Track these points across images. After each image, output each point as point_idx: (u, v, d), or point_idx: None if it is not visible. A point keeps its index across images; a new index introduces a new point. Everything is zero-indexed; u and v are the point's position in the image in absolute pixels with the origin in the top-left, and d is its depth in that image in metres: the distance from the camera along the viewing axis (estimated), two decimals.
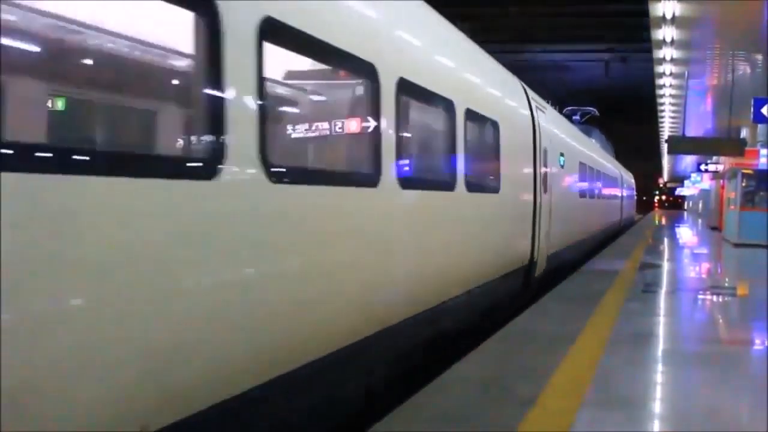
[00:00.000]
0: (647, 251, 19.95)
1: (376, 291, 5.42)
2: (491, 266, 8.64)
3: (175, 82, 4.35)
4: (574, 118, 31.12)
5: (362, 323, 5.15)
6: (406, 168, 5.89)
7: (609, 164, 26.72)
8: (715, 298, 11.53)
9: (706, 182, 41.64)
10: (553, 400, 5.16)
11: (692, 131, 34.32)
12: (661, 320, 9.05)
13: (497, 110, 8.99)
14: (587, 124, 33.47)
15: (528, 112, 10.81)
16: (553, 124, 13.64)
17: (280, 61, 4.49)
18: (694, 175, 48.84)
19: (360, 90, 5.42)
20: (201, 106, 3.55)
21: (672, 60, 20.19)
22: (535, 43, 36.75)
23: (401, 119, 5.71)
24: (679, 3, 14.89)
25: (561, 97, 34.37)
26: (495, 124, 8.70)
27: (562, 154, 13.76)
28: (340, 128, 5.62)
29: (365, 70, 5.14)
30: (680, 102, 27.06)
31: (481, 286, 8.17)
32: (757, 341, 8.46)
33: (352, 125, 5.60)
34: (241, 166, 3.65)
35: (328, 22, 4.62)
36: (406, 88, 5.74)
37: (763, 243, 22.00)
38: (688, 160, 46.08)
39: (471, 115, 7.49)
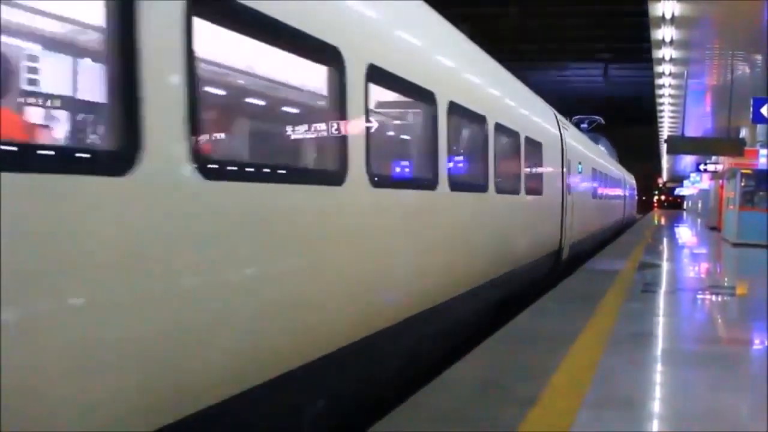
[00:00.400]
0: (647, 251, 19.97)
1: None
2: (538, 248, 11.80)
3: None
4: (582, 126, 33.63)
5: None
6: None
7: (614, 168, 29.92)
8: (714, 297, 11.54)
9: (705, 182, 41.65)
10: (554, 400, 5.17)
11: (692, 131, 34.32)
12: (661, 320, 9.06)
13: (542, 134, 12.08)
14: (594, 132, 36.54)
15: (557, 132, 13.73)
16: (573, 139, 16.53)
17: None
18: (693, 175, 48.84)
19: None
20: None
21: (671, 60, 20.21)
22: (533, 43, 36.87)
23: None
24: (679, 3, 14.91)
25: (563, 101, 34.54)
26: (538, 144, 11.51)
27: (579, 163, 16.77)
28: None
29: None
30: (679, 102, 27.06)
31: (534, 261, 11.40)
32: (756, 341, 8.48)
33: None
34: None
35: None
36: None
37: (762, 243, 22.03)
38: (688, 160, 46.11)
39: (528, 140, 10.57)
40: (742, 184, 23.58)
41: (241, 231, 3.68)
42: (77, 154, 3.03)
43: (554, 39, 36.24)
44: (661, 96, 27.98)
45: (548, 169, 12.41)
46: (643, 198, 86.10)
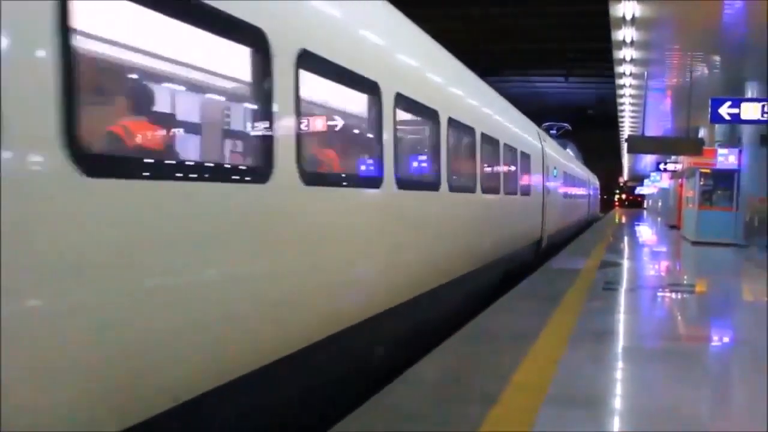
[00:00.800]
0: (608, 249, 20.18)
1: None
2: (528, 237, 15.01)
3: None
4: (551, 132, 35.56)
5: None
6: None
7: (582, 171, 34.25)
8: (674, 295, 11.69)
9: (665, 181, 42.22)
10: (515, 397, 5.17)
11: (652, 131, 34.76)
12: (622, 317, 9.14)
13: (530, 147, 15.33)
14: (563, 138, 40.55)
15: (539, 144, 17.05)
16: (550, 148, 19.92)
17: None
18: (653, 174, 49.51)
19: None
20: None
21: (632, 60, 20.41)
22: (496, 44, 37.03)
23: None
24: (639, 4, 15.05)
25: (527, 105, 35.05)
26: (528, 155, 14.79)
27: (555, 168, 20.31)
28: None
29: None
30: (640, 102, 27.39)
31: (525, 246, 14.64)
32: (715, 338, 8.60)
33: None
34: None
35: None
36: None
37: (720, 241, 22.40)
38: (648, 160, 46.65)
39: (523, 154, 14.07)
40: (701, 183, 23.94)
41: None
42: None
43: (517, 40, 36.47)
44: (621, 96, 28.26)
45: (534, 175, 15.70)
46: (605, 197, 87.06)
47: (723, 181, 23.48)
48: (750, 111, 17.98)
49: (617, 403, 5.50)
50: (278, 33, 4.31)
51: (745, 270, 16.69)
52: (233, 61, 4.36)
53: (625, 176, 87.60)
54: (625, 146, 31.49)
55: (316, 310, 4.96)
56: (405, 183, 6.74)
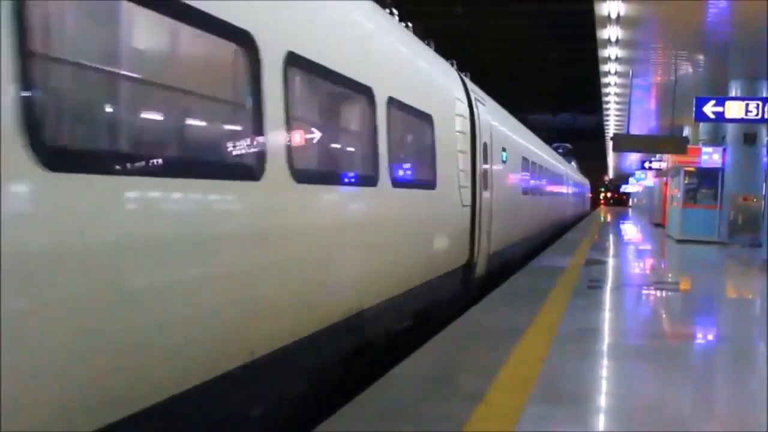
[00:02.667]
0: (593, 248, 20.25)
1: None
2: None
3: None
4: (558, 151, 40.13)
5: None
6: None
7: (574, 174, 37.74)
8: (658, 293, 11.74)
9: (650, 180, 42.43)
10: (500, 395, 5.17)
11: (636, 129, 34.93)
12: (606, 315, 9.17)
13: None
14: (568, 155, 48.51)
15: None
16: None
17: None
18: (638, 173, 49.72)
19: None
20: None
21: (617, 59, 20.49)
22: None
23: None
24: (624, 3, 15.10)
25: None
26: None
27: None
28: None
29: None
30: (625, 101, 27.50)
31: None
32: (699, 335, 8.65)
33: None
34: None
35: None
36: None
37: (704, 239, 22.54)
38: (633, 158, 46.86)
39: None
40: (686, 181, 24.08)
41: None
42: None
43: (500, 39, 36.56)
44: (606, 95, 28.38)
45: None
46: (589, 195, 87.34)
47: (707, 179, 23.64)
48: (734, 110, 18.09)
49: (602, 400, 5.51)
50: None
51: (728, 267, 16.80)
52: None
53: (610, 174, 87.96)
54: (610, 144, 31.63)
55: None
56: None
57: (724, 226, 22.39)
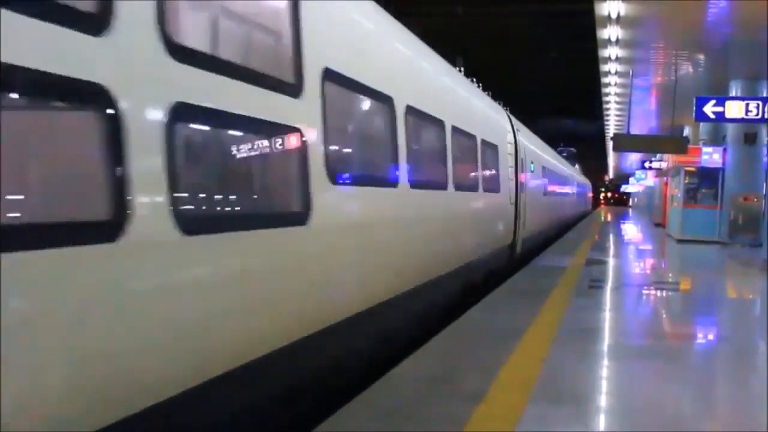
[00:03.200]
0: (594, 247, 20.25)
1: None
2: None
3: None
4: (563, 154, 43.35)
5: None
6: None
7: (579, 177, 43.78)
8: (658, 293, 11.74)
9: (650, 179, 42.42)
10: (501, 395, 5.17)
11: (637, 129, 34.92)
12: (607, 315, 9.17)
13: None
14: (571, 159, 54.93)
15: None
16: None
17: None
18: (638, 173, 49.72)
19: None
20: None
21: (617, 59, 20.49)
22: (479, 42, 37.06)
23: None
24: (624, 3, 15.10)
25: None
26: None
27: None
28: None
29: None
30: (625, 100, 27.50)
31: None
32: (699, 335, 8.65)
33: None
34: None
35: None
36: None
37: (704, 239, 22.55)
38: (633, 158, 46.88)
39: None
40: (686, 181, 24.08)
41: None
42: None
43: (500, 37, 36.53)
44: (607, 95, 28.37)
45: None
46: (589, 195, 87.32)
47: (707, 179, 23.65)
48: (734, 109, 18.09)
49: (602, 400, 5.51)
50: None
51: (729, 267, 16.80)
52: None
53: (611, 174, 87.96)
54: (610, 144, 31.62)
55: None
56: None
57: (724, 226, 22.40)
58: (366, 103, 6.73)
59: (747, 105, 18.08)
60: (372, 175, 6.70)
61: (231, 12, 4.54)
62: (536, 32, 35.70)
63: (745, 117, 18.11)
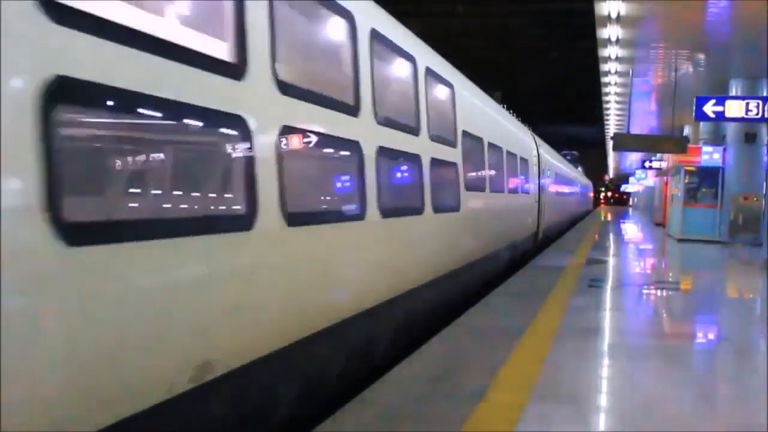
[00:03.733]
0: (594, 247, 20.25)
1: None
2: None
3: None
4: (567, 157, 46.81)
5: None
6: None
7: (581, 178, 48.91)
8: (659, 292, 11.74)
9: (650, 179, 42.40)
10: (501, 395, 5.18)
11: (637, 129, 34.94)
12: (607, 314, 9.17)
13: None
14: (573, 162, 58.90)
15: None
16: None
17: None
18: (638, 172, 49.70)
19: None
20: None
21: (617, 59, 20.50)
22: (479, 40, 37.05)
23: None
24: (624, 2, 15.11)
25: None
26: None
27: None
28: None
29: None
30: (625, 100, 27.52)
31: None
32: (699, 334, 8.65)
33: None
34: None
35: None
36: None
37: (705, 238, 22.55)
38: (633, 157, 46.88)
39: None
40: (686, 180, 24.08)
41: None
42: None
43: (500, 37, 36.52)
44: (607, 94, 28.38)
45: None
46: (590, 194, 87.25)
47: (708, 178, 23.65)
48: (734, 109, 18.10)
49: (602, 400, 5.52)
50: None
51: (729, 267, 16.81)
52: None
53: (611, 174, 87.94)
54: (610, 144, 31.63)
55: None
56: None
57: (724, 226, 22.40)
58: (477, 145, 10.85)
59: (747, 104, 18.08)
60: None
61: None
62: (536, 32, 35.69)
63: (745, 116, 18.11)
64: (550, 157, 24.88)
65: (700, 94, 19.58)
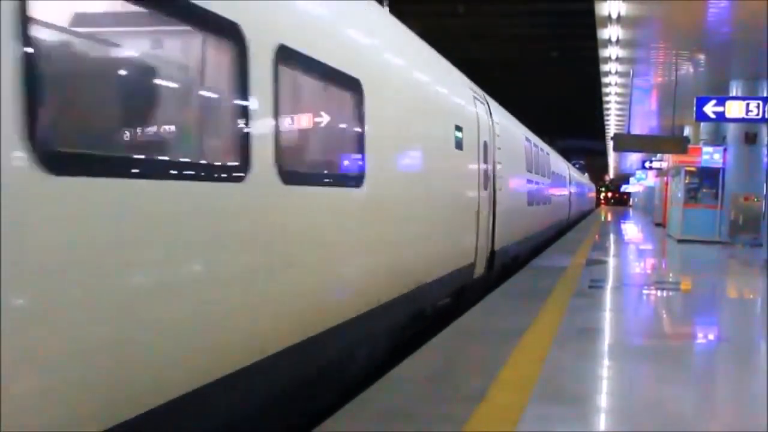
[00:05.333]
0: (594, 247, 20.24)
1: None
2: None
3: None
4: (576, 166, 53.21)
5: None
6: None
7: (589, 183, 57.07)
8: (659, 293, 11.73)
9: (650, 179, 42.40)
10: (501, 395, 5.17)
11: (637, 129, 34.92)
12: (607, 315, 9.17)
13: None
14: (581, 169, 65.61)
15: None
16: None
17: None
18: (639, 173, 49.72)
19: None
20: None
21: (617, 59, 20.49)
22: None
23: None
24: (625, 3, 15.10)
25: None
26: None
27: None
28: None
29: None
30: (625, 100, 27.50)
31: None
32: (699, 335, 8.64)
33: None
34: None
35: None
36: None
37: (705, 239, 22.54)
38: (634, 158, 46.90)
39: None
40: (686, 181, 24.08)
41: None
42: None
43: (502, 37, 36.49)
44: (607, 94, 28.38)
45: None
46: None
47: (708, 179, 23.65)
48: (735, 109, 18.11)
49: (603, 400, 5.52)
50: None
51: (729, 267, 16.80)
52: None
53: (611, 174, 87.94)
54: (611, 144, 31.61)
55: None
56: None
57: (724, 226, 22.39)
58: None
59: (747, 105, 18.10)
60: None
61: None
62: (536, 32, 35.66)
63: (746, 117, 18.13)
64: (571, 170, 28.21)
65: (701, 94, 19.58)
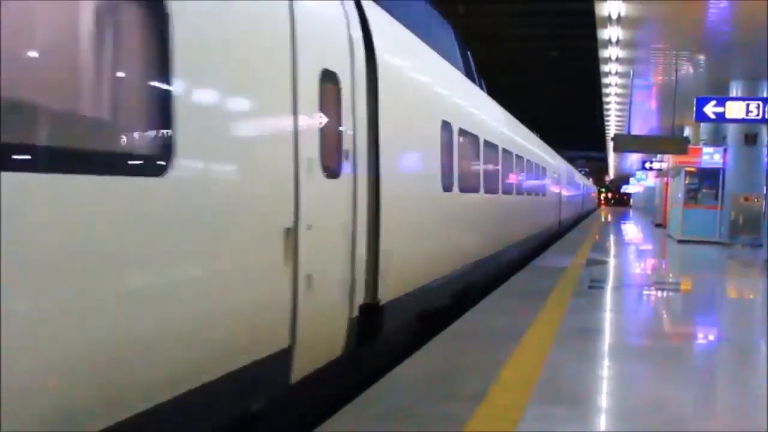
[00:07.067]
0: (594, 248, 20.24)
1: None
2: None
3: None
4: (582, 172, 58.19)
5: None
6: None
7: (592, 186, 60.46)
8: (659, 293, 11.73)
9: (651, 180, 42.42)
10: (501, 395, 5.17)
11: (637, 129, 34.91)
12: (607, 315, 9.16)
13: None
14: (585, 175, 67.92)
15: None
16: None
17: None
18: (639, 173, 49.72)
19: None
20: None
21: (617, 59, 20.49)
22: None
23: None
24: (625, 3, 15.10)
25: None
26: None
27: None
28: None
29: None
30: (625, 101, 27.49)
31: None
32: (699, 335, 8.64)
33: None
34: None
35: None
36: None
37: (705, 239, 22.55)
38: (634, 158, 46.88)
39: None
40: (686, 181, 24.08)
41: None
42: None
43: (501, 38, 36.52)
44: (607, 95, 28.37)
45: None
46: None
47: (708, 179, 23.67)
48: (735, 110, 18.11)
49: (603, 400, 5.51)
50: None
51: (729, 268, 16.79)
52: None
53: (611, 175, 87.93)
54: (611, 145, 31.62)
55: None
56: None
57: (725, 227, 22.39)
58: None
59: (747, 105, 18.10)
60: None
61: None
62: (536, 32, 35.71)
63: (746, 117, 18.13)
64: (580, 178, 33.35)
65: (701, 94, 19.58)
